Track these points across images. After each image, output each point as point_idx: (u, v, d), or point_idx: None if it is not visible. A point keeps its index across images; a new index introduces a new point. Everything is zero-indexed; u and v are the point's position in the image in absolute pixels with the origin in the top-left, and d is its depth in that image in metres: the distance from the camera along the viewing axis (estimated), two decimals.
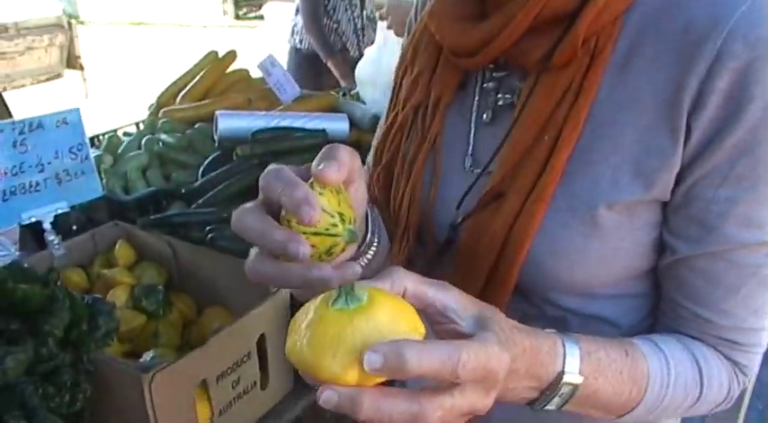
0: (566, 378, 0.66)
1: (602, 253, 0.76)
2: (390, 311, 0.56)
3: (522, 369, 0.63)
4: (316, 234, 0.59)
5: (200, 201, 1.70)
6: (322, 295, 0.57)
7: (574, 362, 0.67)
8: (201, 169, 1.86)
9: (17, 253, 1.89)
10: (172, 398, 1.10)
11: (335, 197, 0.61)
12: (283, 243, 0.58)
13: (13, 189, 1.44)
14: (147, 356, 1.27)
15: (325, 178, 0.60)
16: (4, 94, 3.41)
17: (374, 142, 1.07)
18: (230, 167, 1.81)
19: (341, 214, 0.60)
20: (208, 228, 1.54)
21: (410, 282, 0.62)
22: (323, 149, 0.64)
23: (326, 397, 0.53)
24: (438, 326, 0.63)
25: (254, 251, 0.65)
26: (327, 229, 0.59)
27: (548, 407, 0.68)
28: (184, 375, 1.12)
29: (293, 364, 0.56)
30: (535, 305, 0.84)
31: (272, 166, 0.63)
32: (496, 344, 0.58)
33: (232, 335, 1.20)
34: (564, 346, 0.67)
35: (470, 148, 0.87)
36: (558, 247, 0.77)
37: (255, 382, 1.29)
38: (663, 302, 0.83)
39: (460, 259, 0.84)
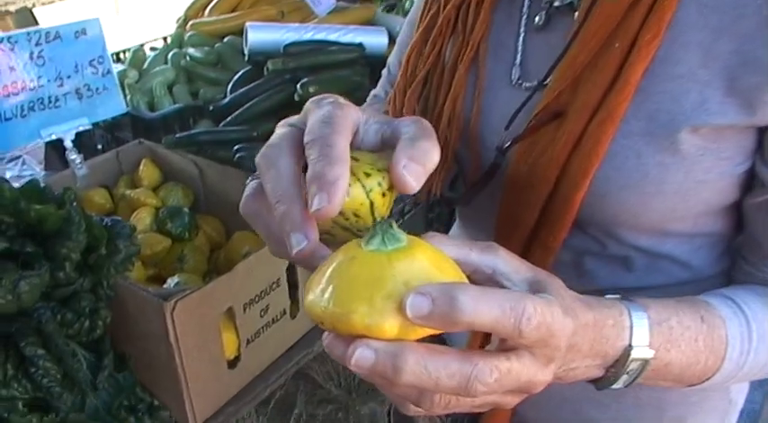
0: (634, 353, 0.56)
1: (681, 186, 0.65)
2: (434, 257, 0.46)
3: (584, 346, 0.53)
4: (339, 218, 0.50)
5: (229, 118, 1.62)
6: (350, 242, 0.48)
7: (643, 334, 0.57)
8: (230, 85, 1.77)
9: (42, 173, 1.84)
10: (196, 326, 1.04)
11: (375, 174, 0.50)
12: (285, 232, 0.49)
13: (31, 104, 1.37)
14: (172, 282, 1.21)
15: (406, 187, 0.49)
16: (34, 10, 3.34)
17: (392, 58, 0.96)
18: (261, 83, 1.72)
19: (372, 202, 0.50)
20: (236, 146, 1.46)
21: (449, 246, 0.52)
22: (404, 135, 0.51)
23: (360, 355, 0.43)
24: None
25: (253, 185, 0.57)
26: (347, 221, 0.50)
27: (614, 386, 0.58)
28: (209, 303, 1.06)
29: (315, 319, 0.46)
30: (596, 240, 0.73)
31: (327, 99, 0.53)
32: (559, 306, 0.48)
33: (261, 260, 1.13)
34: (630, 316, 0.57)
35: (518, 57, 0.76)
36: (628, 179, 0.66)
37: (285, 311, 1.23)
38: (744, 246, 0.72)
39: (509, 189, 0.74)
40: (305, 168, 0.49)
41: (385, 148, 0.54)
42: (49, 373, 0.93)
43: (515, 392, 0.49)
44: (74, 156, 1.42)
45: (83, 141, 1.74)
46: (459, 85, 0.78)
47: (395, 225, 0.46)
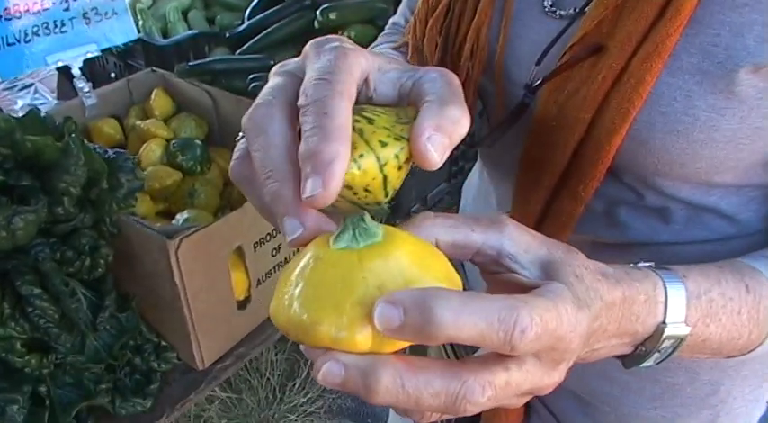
0: (668, 330, 0.49)
1: (735, 134, 0.56)
2: (415, 253, 0.38)
3: (610, 327, 0.46)
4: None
5: (246, 46, 1.54)
6: (320, 237, 0.40)
7: (679, 309, 0.49)
8: (248, 11, 1.69)
9: (55, 101, 1.78)
10: (203, 264, 0.99)
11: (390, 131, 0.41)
12: (278, 215, 0.41)
13: (35, 29, 1.30)
14: (181, 218, 1.15)
15: (427, 163, 0.40)
16: None
17: None
18: (279, 9, 1.64)
19: (385, 177, 0.40)
20: (251, 76, 1.38)
21: (442, 230, 0.44)
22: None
23: (327, 370, 0.36)
24: (492, 276, 0.46)
25: (241, 147, 0.46)
26: (356, 196, 0.41)
27: (644, 364, 0.51)
28: (217, 241, 1.00)
29: (281, 329, 0.38)
30: (632, 190, 0.65)
31: (330, 42, 0.43)
32: (571, 301, 0.40)
33: None
34: (666, 289, 0.49)
35: None
36: (674, 123, 0.57)
37: (297, 250, 1.17)
38: None
39: (536, 130, 0.65)
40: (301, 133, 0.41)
41: (402, 103, 0.45)
42: (47, 314, 0.89)
43: (520, 396, 0.42)
44: (82, 84, 1.35)
45: (94, 70, 1.68)
46: (484, 12, 0.69)
47: (368, 217, 0.39)
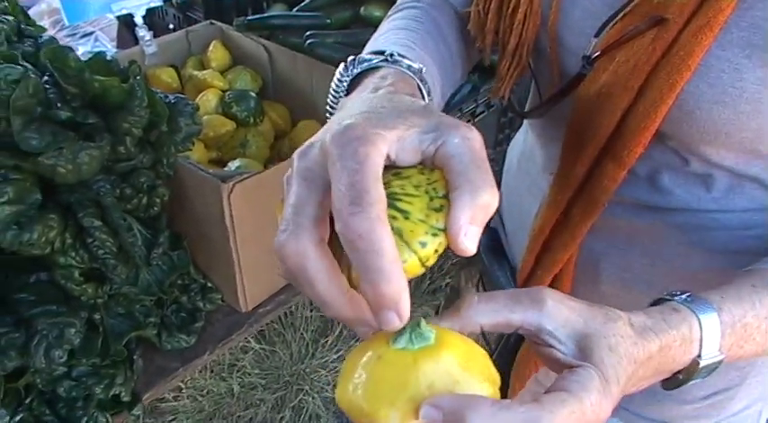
0: (703, 362, 0.53)
1: None
2: (461, 355, 0.43)
3: (647, 373, 0.50)
4: None
5: (303, 4, 1.56)
6: (381, 332, 0.44)
7: (713, 343, 0.53)
8: None
9: (114, 50, 1.83)
10: (253, 210, 1.03)
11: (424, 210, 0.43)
12: (347, 322, 0.44)
13: None
14: (233, 166, 1.19)
15: (465, 253, 0.43)
16: None
17: None
18: None
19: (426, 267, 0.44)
20: (308, 33, 1.41)
21: (484, 316, 0.48)
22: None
23: None
24: (538, 347, 0.50)
25: (289, 226, 0.43)
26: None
27: (683, 386, 0.55)
28: (267, 188, 1.04)
29: (343, 410, 0.44)
30: (677, 155, 0.67)
31: (344, 138, 0.42)
32: (596, 390, 0.44)
33: None
34: (701, 328, 0.52)
35: None
36: (722, 95, 0.58)
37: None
38: None
39: (585, 97, 0.67)
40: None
41: (426, 161, 0.46)
42: (105, 245, 0.93)
43: None
44: (143, 32, 1.40)
45: (154, 20, 1.72)
46: None
47: (423, 323, 0.43)
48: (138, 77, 0.96)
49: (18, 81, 0.85)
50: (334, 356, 2.31)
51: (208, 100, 1.32)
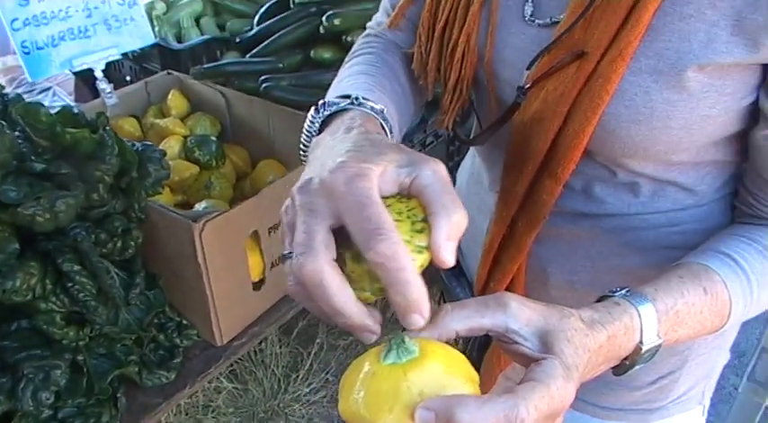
0: (645, 347, 0.62)
1: (686, 121, 0.67)
2: (443, 362, 0.52)
3: (599, 361, 0.59)
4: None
5: (256, 50, 1.63)
6: (371, 350, 0.53)
7: (652, 329, 0.62)
8: (257, 17, 1.77)
9: (72, 104, 1.88)
10: (223, 247, 1.09)
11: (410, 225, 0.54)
12: (354, 329, 0.53)
13: (61, 34, 1.40)
14: (200, 207, 1.25)
15: (446, 266, 0.53)
16: None
17: None
18: (287, 15, 1.72)
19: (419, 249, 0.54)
20: (263, 77, 1.48)
21: (458, 322, 0.55)
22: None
23: None
24: (505, 346, 0.58)
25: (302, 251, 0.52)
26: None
27: (631, 371, 0.64)
28: (236, 225, 1.10)
29: (349, 421, 0.52)
30: (605, 168, 0.76)
31: (347, 175, 0.52)
32: (561, 377, 0.53)
33: (286, 186, 1.16)
34: (640, 316, 0.61)
35: None
36: (636, 115, 0.68)
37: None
38: (748, 177, 0.75)
39: (520, 122, 0.76)
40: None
41: (402, 190, 0.56)
42: (85, 288, 0.98)
43: None
44: (104, 85, 1.45)
45: (111, 74, 1.77)
46: (472, 21, 0.79)
47: (407, 339, 0.51)
48: (107, 128, 1.02)
49: None
50: (307, 390, 2.35)
51: (170, 146, 1.37)
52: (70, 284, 0.98)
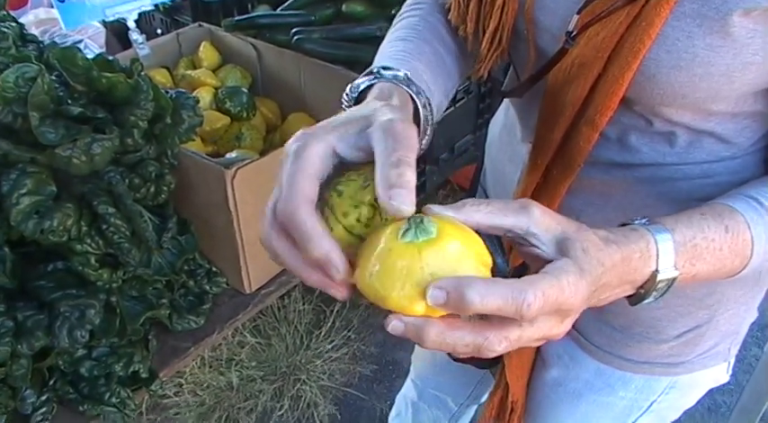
0: (660, 276, 0.62)
1: (727, 68, 0.66)
2: (458, 244, 0.52)
3: (613, 281, 0.59)
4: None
5: (287, 3, 1.63)
6: (391, 226, 0.53)
7: (668, 258, 0.62)
8: None
9: None
10: (254, 195, 1.10)
11: None
12: (322, 262, 0.54)
13: None
14: (231, 156, 1.26)
15: (402, 214, 0.53)
16: None
17: None
18: None
19: (360, 236, 0.57)
20: (294, 30, 1.48)
21: (482, 215, 0.55)
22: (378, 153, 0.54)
23: (394, 326, 0.52)
24: (522, 248, 0.58)
25: (269, 213, 0.58)
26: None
27: (645, 301, 0.64)
28: (267, 173, 1.11)
29: (361, 291, 0.54)
30: (642, 117, 0.75)
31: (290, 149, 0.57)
32: (573, 273, 0.54)
33: None
34: (657, 243, 0.61)
35: None
36: (677, 60, 0.66)
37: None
38: None
39: (559, 69, 0.75)
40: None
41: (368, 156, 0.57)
42: (120, 230, 1.00)
43: (534, 342, 0.56)
44: (136, 36, 1.46)
45: (142, 26, 1.78)
46: None
47: (426, 219, 0.52)
48: (142, 73, 1.03)
49: (34, 78, 0.91)
50: (328, 346, 2.38)
51: (202, 97, 1.38)
52: (105, 226, 1.00)
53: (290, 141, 0.58)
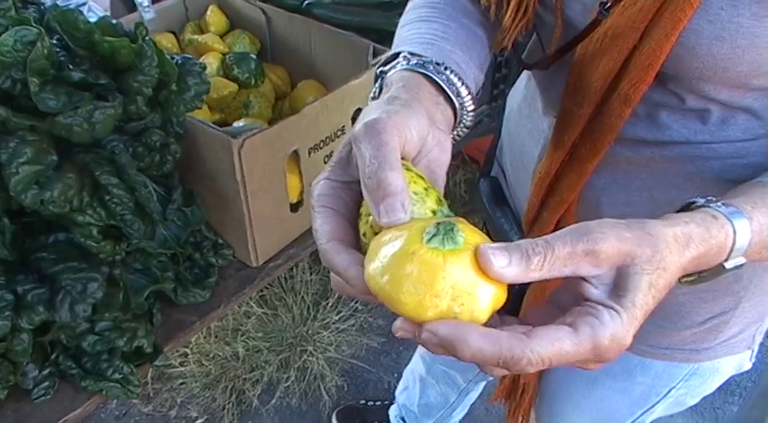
0: (728, 266, 0.57)
1: None
2: None
3: (673, 280, 0.53)
4: None
5: None
6: (414, 225, 0.50)
7: (741, 249, 0.56)
8: None
9: None
10: (262, 165, 1.06)
11: (419, 182, 0.55)
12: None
13: None
14: (238, 125, 1.22)
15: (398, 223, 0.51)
16: None
17: None
18: None
19: (433, 211, 0.54)
20: None
21: (547, 270, 0.49)
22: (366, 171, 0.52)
23: (400, 328, 0.49)
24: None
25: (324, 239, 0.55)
26: None
27: (700, 285, 0.59)
28: (275, 143, 1.07)
29: (371, 290, 0.50)
30: (675, 94, 0.71)
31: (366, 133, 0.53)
32: (610, 327, 0.48)
33: (327, 106, 1.13)
34: (735, 235, 0.55)
35: None
36: (721, 30, 0.62)
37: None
38: None
39: (591, 40, 0.71)
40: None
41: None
42: (123, 202, 0.96)
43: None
44: None
45: None
46: None
47: (456, 228, 0.48)
48: (146, 38, 0.98)
49: (33, 42, 0.87)
50: (335, 317, 2.36)
51: (209, 63, 1.34)
52: (107, 197, 0.96)
53: (309, 196, 0.58)
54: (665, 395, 0.95)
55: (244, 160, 1.02)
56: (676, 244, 0.52)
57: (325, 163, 1.19)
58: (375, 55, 1.23)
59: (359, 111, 1.20)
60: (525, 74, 0.96)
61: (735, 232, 0.56)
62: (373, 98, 0.68)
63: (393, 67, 0.67)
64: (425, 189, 0.54)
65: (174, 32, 1.48)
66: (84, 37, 0.96)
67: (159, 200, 1.03)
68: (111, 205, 0.97)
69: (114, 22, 1.05)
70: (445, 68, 0.66)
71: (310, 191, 0.58)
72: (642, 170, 0.78)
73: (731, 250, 0.56)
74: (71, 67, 0.95)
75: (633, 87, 0.68)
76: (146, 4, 1.41)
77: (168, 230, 1.04)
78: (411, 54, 0.68)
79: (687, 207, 0.59)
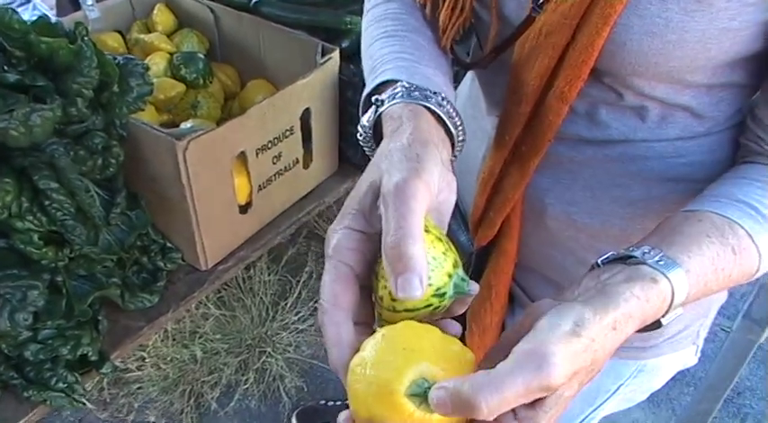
0: (664, 321, 0.57)
1: (703, 34, 0.61)
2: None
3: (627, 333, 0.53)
4: (413, 309, 0.53)
5: None
6: (399, 363, 0.49)
7: (678, 304, 0.56)
8: None
9: (54, 18, 1.80)
10: (208, 167, 1.04)
11: (438, 245, 0.54)
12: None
13: None
14: (186, 126, 1.20)
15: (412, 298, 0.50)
16: None
17: None
18: None
19: (449, 275, 0.54)
20: None
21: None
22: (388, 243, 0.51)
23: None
24: None
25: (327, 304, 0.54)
26: (428, 306, 0.53)
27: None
28: (222, 145, 1.05)
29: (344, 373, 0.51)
30: (612, 90, 0.71)
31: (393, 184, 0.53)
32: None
33: (274, 106, 1.11)
34: (674, 294, 0.55)
35: None
36: (650, 25, 0.62)
37: (297, 160, 1.23)
38: (761, 110, 0.69)
39: (526, 38, 0.70)
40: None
41: None
42: (63, 207, 0.94)
43: None
44: None
45: None
46: None
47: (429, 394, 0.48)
48: (85, 38, 0.96)
49: None
50: (295, 318, 2.34)
51: (156, 63, 1.32)
52: (47, 203, 0.94)
53: (326, 244, 0.56)
54: (614, 392, 0.95)
55: (189, 162, 1.00)
56: (614, 332, 0.51)
57: (274, 164, 1.17)
58: (324, 53, 1.22)
59: (307, 110, 1.18)
60: (469, 75, 0.96)
61: (673, 292, 0.55)
62: (369, 127, 0.68)
63: (392, 96, 0.66)
64: (444, 253, 0.54)
65: (120, 32, 1.45)
66: (20, 37, 0.93)
67: (102, 204, 1.00)
68: (52, 211, 0.94)
69: (54, 21, 1.03)
70: (443, 99, 0.66)
71: (327, 238, 0.56)
72: (585, 170, 0.78)
73: (669, 308, 0.56)
74: (6, 68, 0.92)
75: (569, 84, 0.67)
76: (90, 2, 1.38)
77: (112, 235, 1.02)
78: (409, 83, 0.67)
79: (623, 259, 0.57)
